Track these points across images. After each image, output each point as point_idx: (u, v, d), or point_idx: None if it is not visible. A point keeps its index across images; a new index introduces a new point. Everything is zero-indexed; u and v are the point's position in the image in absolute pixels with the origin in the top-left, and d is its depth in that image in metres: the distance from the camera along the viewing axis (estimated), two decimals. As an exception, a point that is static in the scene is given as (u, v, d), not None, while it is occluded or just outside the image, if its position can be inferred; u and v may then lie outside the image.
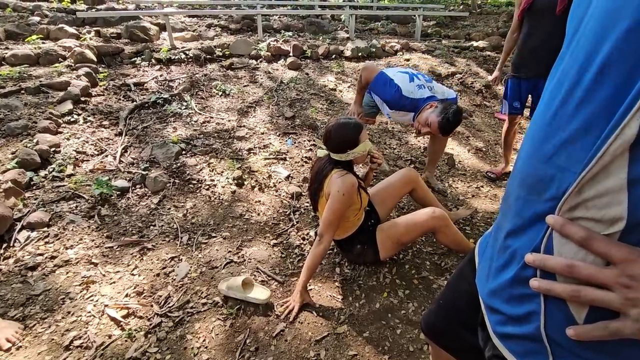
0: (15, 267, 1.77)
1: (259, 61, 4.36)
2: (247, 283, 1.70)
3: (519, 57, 2.50)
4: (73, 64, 3.54)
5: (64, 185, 2.27)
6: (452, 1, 10.88)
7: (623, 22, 0.35)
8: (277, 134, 3.09)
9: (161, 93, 3.41)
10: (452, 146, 3.36)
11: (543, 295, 0.45)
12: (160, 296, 1.70)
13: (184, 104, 3.34)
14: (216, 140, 2.90)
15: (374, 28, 6.72)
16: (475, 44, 5.69)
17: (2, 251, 1.84)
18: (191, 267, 1.87)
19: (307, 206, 2.37)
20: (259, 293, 1.69)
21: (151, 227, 2.12)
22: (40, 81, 3.14)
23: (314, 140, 3.03)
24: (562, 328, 0.43)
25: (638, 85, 0.34)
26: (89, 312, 1.60)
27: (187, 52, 4.13)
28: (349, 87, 4.11)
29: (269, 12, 6.45)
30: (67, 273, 1.78)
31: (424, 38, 6.26)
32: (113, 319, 1.57)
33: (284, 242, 2.10)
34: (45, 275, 1.75)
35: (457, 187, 2.79)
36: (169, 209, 2.26)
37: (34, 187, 2.22)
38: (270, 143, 2.94)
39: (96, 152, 2.62)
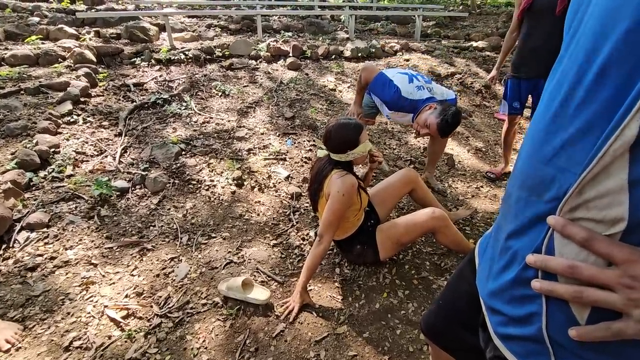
0: (15, 268, 1.77)
1: (258, 61, 4.36)
2: (246, 283, 1.70)
3: (519, 57, 2.50)
4: (72, 65, 3.54)
5: (63, 186, 2.27)
6: (452, 1, 10.89)
7: (623, 23, 0.35)
8: (277, 134, 3.09)
9: (161, 93, 3.41)
10: (452, 146, 3.36)
11: (544, 296, 0.44)
12: (160, 297, 1.70)
13: (184, 104, 3.34)
14: (216, 141, 2.90)
15: (374, 28, 6.72)
16: (474, 44, 5.69)
17: (1, 252, 1.84)
18: (191, 267, 1.87)
19: (307, 206, 2.37)
20: (259, 293, 1.69)
21: (151, 227, 2.12)
22: (40, 82, 3.14)
23: (313, 141, 3.03)
24: (564, 329, 0.43)
25: (638, 86, 0.34)
26: (89, 312, 1.60)
27: (186, 52, 4.13)
28: (348, 87, 4.11)
29: (269, 13, 6.44)
30: (67, 274, 1.78)
31: (424, 38, 6.26)
32: (113, 319, 1.57)
33: (284, 242, 2.10)
34: (44, 276, 1.75)
35: (457, 188, 2.79)
36: (169, 209, 2.26)
37: (34, 188, 2.22)
38: (270, 143, 2.94)
39: (96, 153, 2.62)
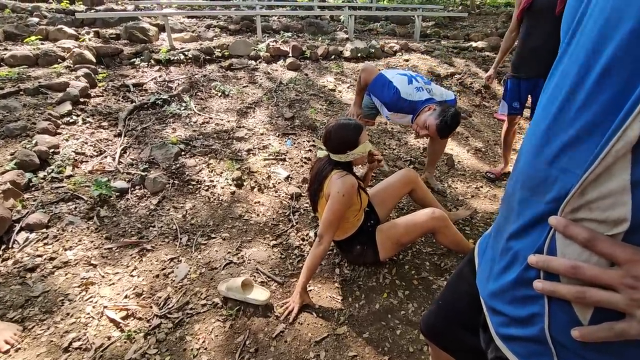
0: (14, 268, 1.76)
1: (258, 62, 4.36)
2: (246, 284, 1.70)
3: (519, 57, 2.50)
4: (72, 65, 3.53)
5: (63, 187, 2.26)
6: (451, 2, 10.90)
7: (627, 23, 0.35)
8: (277, 134, 3.08)
9: (160, 94, 3.41)
10: (452, 146, 3.36)
11: (546, 296, 0.44)
12: (160, 297, 1.70)
13: (183, 104, 3.33)
14: (215, 141, 2.90)
15: (373, 29, 6.73)
16: (474, 44, 5.70)
17: (0, 253, 1.84)
18: (190, 268, 1.87)
19: (306, 207, 2.37)
20: (259, 294, 1.68)
21: (150, 228, 2.11)
22: (39, 82, 3.13)
23: (313, 141, 3.03)
24: (566, 329, 0.42)
25: None
26: (88, 313, 1.60)
27: (186, 52, 4.13)
28: (348, 87, 4.11)
29: (268, 13, 6.44)
30: (66, 274, 1.77)
31: (423, 38, 6.26)
32: (112, 320, 1.57)
33: (284, 242, 2.10)
34: (44, 277, 1.75)
35: (457, 188, 2.79)
36: (168, 210, 2.26)
37: (33, 189, 2.21)
38: (270, 144, 2.94)
39: (95, 153, 2.62)
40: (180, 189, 2.41)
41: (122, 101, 3.29)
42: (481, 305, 0.61)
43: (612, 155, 0.35)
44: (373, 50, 4.89)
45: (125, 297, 1.69)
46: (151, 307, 1.65)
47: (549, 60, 0.50)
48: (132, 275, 1.81)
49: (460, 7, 9.82)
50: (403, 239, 1.79)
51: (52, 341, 1.47)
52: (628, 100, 0.34)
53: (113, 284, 1.75)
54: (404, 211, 2.41)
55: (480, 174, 3.00)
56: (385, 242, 1.79)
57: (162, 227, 2.13)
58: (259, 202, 2.39)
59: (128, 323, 1.57)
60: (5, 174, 2.16)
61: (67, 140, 2.64)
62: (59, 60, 3.63)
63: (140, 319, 1.60)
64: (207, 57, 4.24)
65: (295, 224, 2.23)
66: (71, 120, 2.83)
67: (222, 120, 3.21)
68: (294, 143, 3.00)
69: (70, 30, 4.37)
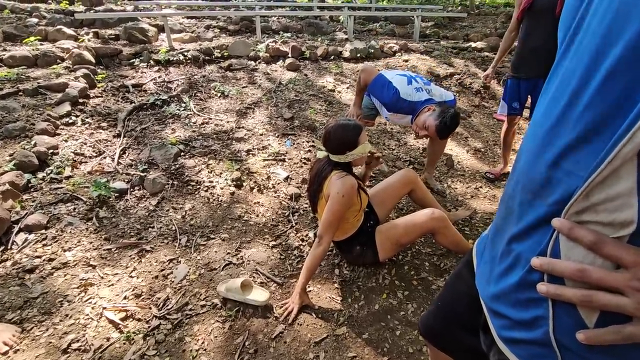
0: (13, 269, 1.76)
1: (257, 62, 4.36)
2: (246, 285, 1.69)
3: (519, 57, 2.51)
4: (71, 66, 3.53)
5: (61, 187, 2.26)
6: (451, 2, 10.91)
7: (634, 24, 0.34)
8: (276, 135, 3.08)
9: (160, 94, 3.41)
10: (451, 147, 3.36)
11: (551, 299, 0.44)
12: (159, 298, 1.70)
13: (183, 105, 3.33)
14: (215, 142, 2.90)
15: (373, 29, 6.73)
16: (473, 44, 5.70)
17: (-1, 254, 1.84)
18: (190, 269, 1.87)
19: (306, 207, 2.37)
20: (258, 295, 1.68)
21: (149, 229, 2.11)
22: (38, 83, 3.13)
23: (312, 141, 3.03)
24: (571, 332, 0.42)
25: None
26: (87, 314, 1.59)
27: (185, 53, 4.13)
28: (347, 88, 4.11)
29: (268, 14, 6.45)
30: (65, 275, 1.77)
31: (423, 39, 6.27)
32: (111, 321, 1.56)
33: (283, 243, 2.10)
34: (43, 278, 1.74)
35: (456, 188, 2.79)
36: (168, 210, 2.25)
37: (32, 189, 2.21)
38: (269, 144, 2.94)
39: (94, 154, 2.61)
40: (180, 190, 2.41)
41: (121, 102, 3.29)
42: (480, 306, 0.61)
43: (620, 158, 0.35)
44: (372, 51, 4.90)
45: (125, 298, 1.68)
46: (150, 308, 1.65)
47: (549, 60, 0.50)
48: (131, 276, 1.80)
49: (459, 8, 9.82)
50: (402, 239, 1.79)
51: (51, 342, 1.47)
52: (635, 102, 0.34)
53: (112, 285, 1.75)
54: (404, 212, 2.40)
55: (479, 174, 3.00)
56: (384, 243, 1.79)
57: (161, 227, 2.12)
58: (258, 202, 2.39)
59: (127, 324, 1.57)
60: (4, 174, 2.16)
61: (66, 141, 2.64)
62: (58, 60, 3.63)
63: (139, 320, 1.59)
64: (207, 57, 4.23)
65: (294, 224, 2.23)
66: (70, 121, 2.83)
67: (221, 120, 3.21)
68: (294, 143, 3.00)
69: (70, 31, 4.37)
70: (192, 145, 2.82)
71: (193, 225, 2.16)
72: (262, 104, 3.55)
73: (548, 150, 0.43)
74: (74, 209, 2.14)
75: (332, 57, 4.76)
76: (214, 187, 2.46)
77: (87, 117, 2.94)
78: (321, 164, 1.75)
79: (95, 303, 1.65)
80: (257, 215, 2.29)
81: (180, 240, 2.05)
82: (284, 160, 2.78)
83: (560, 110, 0.42)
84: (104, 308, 1.61)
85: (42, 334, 1.50)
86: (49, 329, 1.52)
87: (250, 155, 2.81)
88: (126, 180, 2.41)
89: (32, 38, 4.02)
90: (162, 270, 1.85)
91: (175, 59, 4.03)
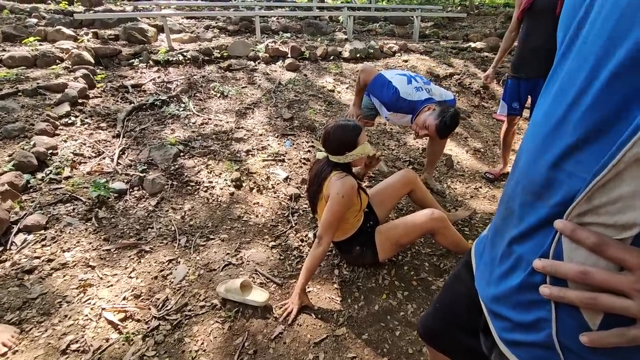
0: (12, 270, 1.76)
1: (257, 62, 4.36)
2: (245, 285, 1.69)
3: (519, 57, 2.50)
4: (70, 66, 3.53)
5: (61, 188, 2.26)
6: (450, 2, 10.91)
7: None
8: (276, 135, 3.08)
9: (159, 95, 3.40)
10: (451, 147, 3.36)
11: (553, 301, 0.44)
12: (158, 299, 1.69)
13: (182, 105, 3.33)
14: (214, 142, 2.90)
15: (372, 29, 6.73)
16: (473, 44, 5.70)
17: (-2, 254, 1.83)
18: (189, 269, 1.86)
19: (305, 208, 2.37)
20: (258, 295, 1.68)
21: (149, 229, 2.11)
22: (38, 83, 3.13)
23: (312, 142, 3.03)
24: (575, 335, 0.42)
25: None
26: (86, 315, 1.59)
27: (185, 53, 4.12)
28: (347, 88, 4.11)
29: (267, 14, 6.44)
30: (64, 276, 1.77)
31: (422, 39, 6.27)
32: (110, 322, 1.56)
33: (283, 244, 2.09)
34: (42, 279, 1.74)
35: (456, 188, 2.79)
36: (167, 211, 2.25)
37: (31, 190, 2.21)
38: (269, 144, 2.94)
39: (94, 154, 2.61)
40: (179, 190, 2.41)
41: (120, 102, 3.29)
42: (480, 308, 0.60)
43: (625, 161, 0.34)
44: (372, 51, 4.90)
45: (124, 298, 1.68)
46: (149, 308, 1.64)
47: (549, 60, 0.49)
48: (130, 277, 1.80)
49: (459, 8, 9.83)
50: (402, 239, 1.78)
51: (49, 343, 1.47)
52: None
53: (111, 285, 1.75)
54: (403, 212, 2.40)
55: (479, 174, 3.00)
56: (384, 243, 1.79)
57: (160, 228, 2.12)
58: (257, 203, 2.39)
59: (126, 325, 1.56)
60: (3, 175, 2.16)
61: (65, 141, 2.64)
62: (57, 61, 3.62)
63: (138, 320, 1.59)
64: (206, 57, 4.23)
65: (294, 224, 2.23)
66: (69, 122, 2.83)
67: (221, 121, 3.20)
68: (293, 144, 3.00)
69: (69, 31, 4.36)
70: (191, 145, 2.81)
71: (192, 226, 2.16)
72: (262, 104, 3.55)
73: (549, 151, 0.43)
74: (73, 209, 2.14)
75: (331, 58, 4.76)
76: (213, 187, 2.45)
77: (86, 118, 2.94)
78: (320, 164, 1.75)
79: (94, 304, 1.64)
80: (257, 216, 2.29)
81: (179, 240, 2.04)
82: (283, 161, 2.78)
83: (563, 110, 0.42)
84: (103, 309, 1.61)
85: (41, 334, 1.50)
86: (48, 330, 1.52)
87: (250, 155, 2.81)
88: (125, 180, 2.40)
89: (31, 38, 4.02)
90: (161, 270, 1.85)
91: (174, 59, 4.02)
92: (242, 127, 3.15)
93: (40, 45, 3.97)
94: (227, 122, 3.19)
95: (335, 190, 1.59)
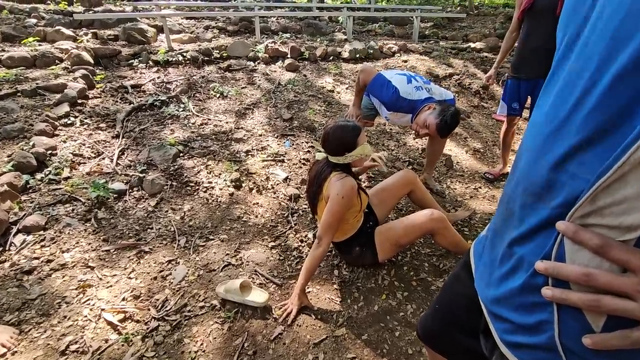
0: (11, 271, 1.75)
1: (256, 63, 4.36)
2: (245, 286, 1.69)
3: (519, 57, 2.50)
4: (70, 66, 3.52)
5: (60, 189, 2.25)
6: (450, 2, 10.92)
7: None
8: (275, 135, 3.08)
9: (158, 95, 3.40)
10: (450, 147, 3.36)
11: (556, 303, 0.43)
12: (158, 300, 1.69)
13: (182, 106, 3.33)
14: (214, 142, 2.89)
15: (372, 29, 6.73)
16: (472, 45, 5.70)
17: (-3, 255, 1.83)
18: (189, 270, 1.86)
19: (305, 208, 2.36)
20: (257, 296, 1.68)
21: (148, 230, 2.11)
22: (37, 83, 3.12)
23: (311, 142, 3.02)
24: (578, 337, 0.42)
25: None
26: (86, 316, 1.59)
27: (184, 54, 4.12)
28: (346, 88, 4.11)
29: (267, 14, 6.44)
30: (64, 277, 1.76)
31: (422, 39, 6.27)
32: (110, 323, 1.56)
33: (282, 244, 2.09)
34: (41, 279, 1.74)
35: (455, 189, 2.79)
36: (167, 211, 2.25)
37: (30, 190, 2.20)
38: (268, 145, 2.94)
39: (93, 155, 2.61)
40: (179, 191, 2.40)
41: (120, 102, 3.29)
42: (479, 309, 0.60)
43: (630, 163, 0.34)
44: (372, 51, 4.90)
45: (123, 299, 1.68)
46: (149, 309, 1.64)
47: (550, 61, 0.49)
48: (129, 278, 1.80)
49: (458, 8, 9.83)
50: (402, 240, 1.78)
51: (48, 344, 1.46)
52: None
53: (110, 286, 1.74)
54: (403, 212, 2.40)
55: (478, 174, 3.00)
56: (384, 244, 1.79)
57: (160, 229, 2.12)
58: (257, 203, 2.39)
59: (125, 326, 1.56)
60: (2, 175, 2.15)
61: (64, 141, 2.64)
62: (56, 61, 3.62)
63: (137, 321, 1.59)
64: (206, 58, 4.23)
65: (293, 225, 2.23)
66: (69, 122, 2.83)
67: (220, 121, 3.20)
68: (293, 144, 3.00)
69: (68, 32, 4.36)
70: (191, 146, 2.81)
71: (192, 226, 2.16)
72: (261, 105, 3.55)
73: (550, 152, 0.43)
74: (73, 210, 2.14)
75: (331, 58, 4.76)
76: (213, 188, 2.45)
77: (85, 118, 2.94)
78: (320, 165, 1.75)
79: (93, 304, 1.64)
80: (256, 216, 2.29)
81: (179, 241, 2.04)
82: (283, 161, 2.78)
83: (566, 112, 0.42)
84: (103, 309, 1.61)
85: (40, 335, 1.49)
86: (47, 331, 1.51)
87: (250, 156, 2.80)
88: (125, 181, 2.40)
89: (30, 39, 4.02)
90: (160, 271, 1.85)
91: (174, 59, 4.02)
92: (242, 128, 3.15)
93: (40, 45, 3.97)
94: (227, 123, 3.19)
95: (335, 191, 1.59)
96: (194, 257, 1.95)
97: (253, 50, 4.48)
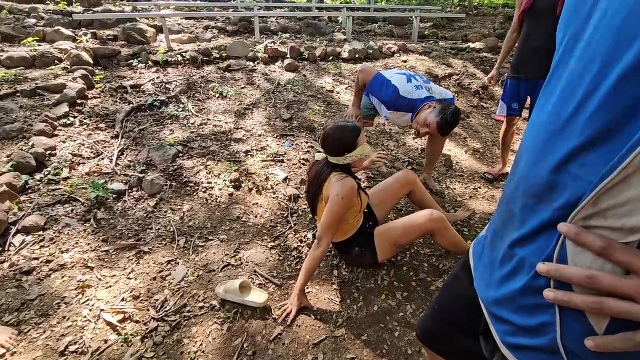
0: (10, 271, 1.75)
1: (256, 63, 4.36)
2: (244, 286, 1.69)
3: (519, 58, 2.50)
4: (69, 67, 3.52)
5: (59, 189, 2.25)
6: (449, 3, 10.93)
7: None
8: (275, 136, 3.08)
9: (158, 95, 3.40)
10: (450, 147, 3.36)
11: (558, 305, 0.43)
12: (157, 300, 1.69)
13: (181, 106, 3.33)
14: (213, 143, 2.89)
15: (371, 30, 6.73)
16: (472, 45, 5.71)
17: (-3, 256, 1.83)
18: (188, 270, 1.86)
19: (304, 208, 2.36)
20: (257, 296, 1.68)
21: (148, 230, 2.10)
22: (36, 84, 3.12)
23: (311, 142, 3.02)
24: (580, 339, 0.41)
25: None
26: (85, 317, 1.58)
27: (184, 54, 4.12)
28: (346, 88, 4.11)
29: (266, 14, 6.44)
30: (63, 277, 1.76)
31: (421, 40, 6.27)
32: (109, 323, 1.56)
33: (282, 244, 2.09)
34: (40, 280, 1.73)
35: (455, 189, 2.79)
36: (166, 212, 2.25)
37: (30, 191, 2.20)
38: (268, 145, 2.93)
39: (92, 155, 2.60)
40: (178, 191, 2.40)
41: (119, 103, 3.28)
42: (479, 309, 0.60)
43: (634, 165, 0.34)
44: (371, 52, 4.90)
45: (123, 300, 1.68)
46: (148, 310, 1.64)
47: (550, 61, 0.49)
48: (129, 278, 1.80)
49: (458, 8, 9.84)
50: (401, 240, 1.78)
51: (48, 345, 1.46)
52: None
53: (110, 286, 1.74)
54: (403, 213, 2.40)
55: (478, 175, 3.00)
56: (383, 244, 1.79)
57: (159, 229, 2.12)
58: (257, 203, 2.39)
59: (125, 326, 1.56)
60: (1, 176, 2.15)
61: (64, 142, 2.63)
62: (56, 61, 3.62)
63: (137, 322, 1.59)
64: (205, 58, 4.23)
65: (293, 225, 2.23)
66: (68, 122, 2.82)
67: (220, 121, 3.20)
68: (292, 144, 2.99)
69: (68, 32, 4.36)
70: (190, 146, 2.81)
71: (191, 227, 2.16)
72: (261, 105, 3.54)
73: (551, 154, 0.42)
74: (72, 210, 2.14)
75: (330, 58, 4.76)
76: (212, 188, 2.45)
77: (85, 118, 2.93)
78: (320, 166, 1.75)
79: (93, 305, 1.64)
80: (256, 217, 2.28)
81: (178, 241, 2.04)
82: (282, 161, 2.77)
83: (569, 113, 0.41)
84: (102, 310, 1.61)
85: (39, 336, 1.49)
86: (46, 332, 1.51)
87: (249, 156, 2.80)
88: (124, 181, 2.40)
89: (30, 39, 4.01)
90: (160, 272, 1.85)
91: (173, 59, 4.02)
92: (241, 128, 3.15)
93: (39, 45, 3.96)
94: (226, 123, 3.19)
95: (335, 191, 1.59)
96: (194, 257, 1.95)
97: (253, 51, 4.48)
